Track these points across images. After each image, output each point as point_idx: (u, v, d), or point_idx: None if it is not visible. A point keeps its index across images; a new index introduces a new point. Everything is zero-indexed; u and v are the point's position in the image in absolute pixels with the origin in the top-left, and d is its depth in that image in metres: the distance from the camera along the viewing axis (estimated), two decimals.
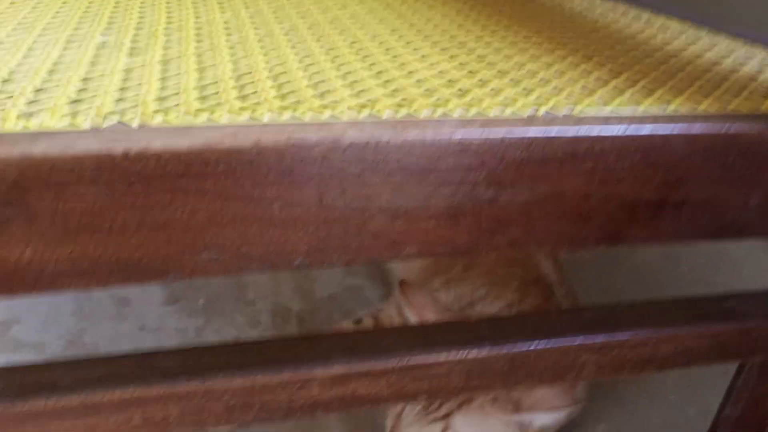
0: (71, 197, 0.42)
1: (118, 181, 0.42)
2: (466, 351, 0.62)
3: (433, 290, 1.15)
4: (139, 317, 1.30)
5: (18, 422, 0.53)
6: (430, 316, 1.05)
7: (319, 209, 0.47)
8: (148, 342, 1.26)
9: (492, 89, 0.57)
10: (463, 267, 1.22)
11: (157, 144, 0.42)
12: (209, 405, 0.58)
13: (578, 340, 0.65)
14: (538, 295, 1.14)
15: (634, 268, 1.55)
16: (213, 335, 1.28)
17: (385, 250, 0.49)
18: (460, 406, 0.97)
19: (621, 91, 0.60)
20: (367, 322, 1.25)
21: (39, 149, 0.40)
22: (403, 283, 1.07)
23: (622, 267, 1.55)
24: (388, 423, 1.06)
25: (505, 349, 0.63)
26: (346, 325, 1.24)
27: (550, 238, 0.52)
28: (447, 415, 0.97)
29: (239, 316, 1.32)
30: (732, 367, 0.83)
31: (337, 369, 0.60)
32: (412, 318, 1.06)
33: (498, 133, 0.47)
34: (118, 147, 0.42)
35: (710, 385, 1.27)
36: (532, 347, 0.64)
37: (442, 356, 0.62)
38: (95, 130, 0.44)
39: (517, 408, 0.96)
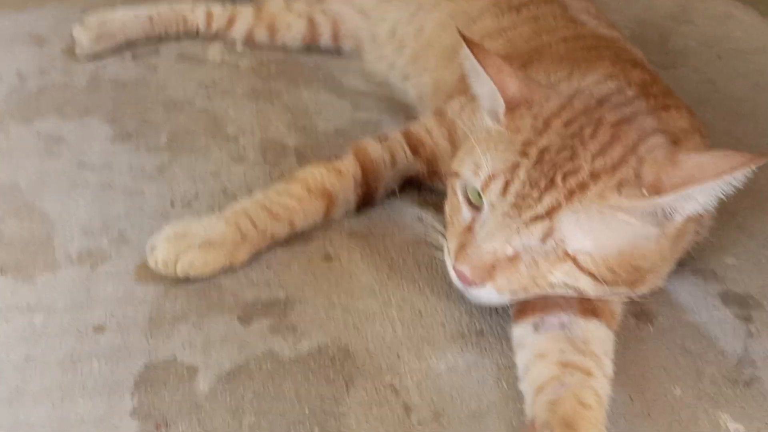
0: None
1: None
2: None
3: None
4: (78, 155, 0.94)
5: None
6: (512, 80, 0.70)
7: None
8: (90, 180, 0.90)
9: None
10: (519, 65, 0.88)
11: None
12: None
13: None
14: (645, 73, 0.81)
15: None
16: (182, 171, 0.92)
17: None
18: (570, 196, 0.63)
19: None
20: (396, 137, 0.90)
21: None
22: (471, 42, 0.71)
23: None
24: (450, 245, 0.70)
25: None
26: (369, 142, 0.89)
27: None
28: (551, 212, 0.63)
29: (218, 151, 0.97)
30: None
31: None
32: (487, 85, 0.71)
33: None
34: None
35: None
36: None
37: None
38: None
39: (657, 189, 0.62)
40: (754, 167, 0.59)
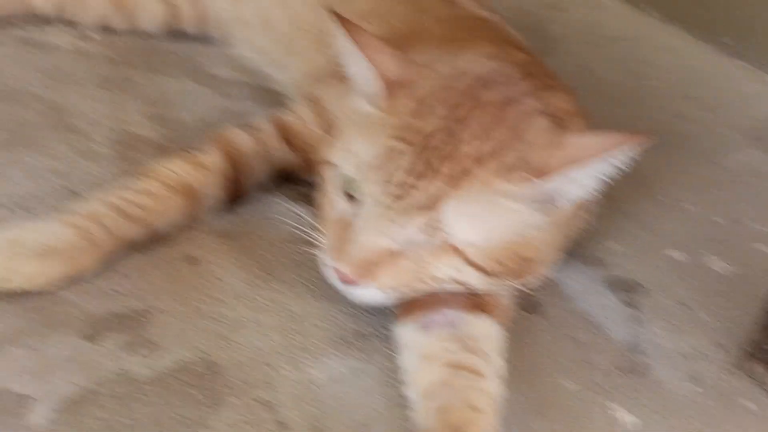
0: None
1: None
2: None
3: None
4: None
5: None
6: (390, 61, 0.65)
7: None
8: None
9: None
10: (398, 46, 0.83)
11: None
12: None
13: None
14: (527, 54, 0.78)
15: None
16: (21, 171, 0.80)
17: None
18: (453, 183, 0.57)
19: None
20: (266, 126, 0.82)
21: None
22: (345, 21, 0.65)
23: None
24: (326, 242, 0.64)
25: None
26: (236, 131, 0.81)
27: None
28: (433, 202, 0.58)
29: (63, 146, 0.85)
30: None
31: None
32: (363, 66, 0.64)
33: None
34: None
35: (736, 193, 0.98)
36: None
37: None
38: None
39: (544, 172, 0.58)
40: (638, 146, 0.56)
